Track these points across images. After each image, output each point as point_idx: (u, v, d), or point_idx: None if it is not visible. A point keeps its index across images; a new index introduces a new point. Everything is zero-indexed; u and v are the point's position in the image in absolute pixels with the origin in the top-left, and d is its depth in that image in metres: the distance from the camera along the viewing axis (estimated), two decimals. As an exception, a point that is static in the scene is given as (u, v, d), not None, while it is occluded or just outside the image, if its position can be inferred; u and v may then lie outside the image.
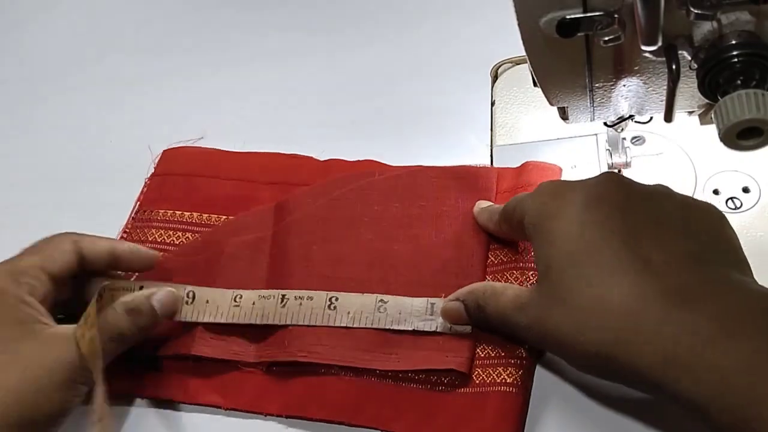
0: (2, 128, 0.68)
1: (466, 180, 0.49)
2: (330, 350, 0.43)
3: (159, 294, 0.43)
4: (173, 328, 0.46)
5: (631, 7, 0.29)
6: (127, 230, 0.54)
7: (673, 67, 0.31)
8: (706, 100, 0.32)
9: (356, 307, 0.44)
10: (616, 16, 0.30)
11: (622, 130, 0.44)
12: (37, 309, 0.40)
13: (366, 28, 0.67)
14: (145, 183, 0.57)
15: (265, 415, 0.43)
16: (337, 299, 0.45)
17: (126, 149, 0.61)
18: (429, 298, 0.44)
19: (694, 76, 0.31)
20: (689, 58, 0.32)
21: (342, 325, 0.44)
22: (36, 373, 0.37)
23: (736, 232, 0.44)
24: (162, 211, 0.54)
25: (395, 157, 0.54)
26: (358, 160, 0.54)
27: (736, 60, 0.30)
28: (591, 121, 0.40)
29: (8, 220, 0.60)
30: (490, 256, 0.46)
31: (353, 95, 0.61)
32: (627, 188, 0.37)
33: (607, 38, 0.31)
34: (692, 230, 0.35)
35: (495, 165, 0.53)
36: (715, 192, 0.47)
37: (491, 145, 0.55)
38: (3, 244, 0.58)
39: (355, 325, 0.44)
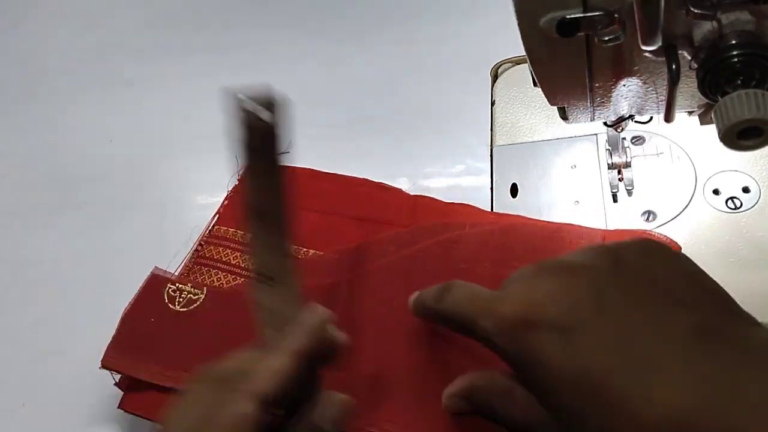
0: (2, 128, 0.68)
1: (567, 240, 0.44)
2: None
3: None
4: None
5: (631, 7, 0.29)
6: (202, 244, 0.51)
7: (673, 67, 0.31)
8: (706, 100, 0.32)
9: None
10: (616, 15, 0.30)
11: (622, 130, 0.43)
12: None
13: (366, 29, 0.67)
14: (227, 195, 0.53)
15: None
16: None
17: (126, 149, 0.61)
18: None
19: (694, 76, 0.31)
20: (689, 58, 0.31)
21: None
22: None
23: (736, 233, 0.44)
24: (237, 231, 0.50)
25: (395, 157, 0.54)
26: (452, 203, 0.50)
27: (736, 60, 0.30)
28: (591, 121, 0.40)
29: (8, 220, 0.60)
30: None
31: (353, 95, 0.61)
32: (598, 292, 0.29)
33: (607, 38, 0.31)
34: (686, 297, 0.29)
35: (495, 165, 0.53)
36: (715, 192, 0.47)
37: (491, 145, 0.55)
38: (3, 244, 0.59)
39: None
